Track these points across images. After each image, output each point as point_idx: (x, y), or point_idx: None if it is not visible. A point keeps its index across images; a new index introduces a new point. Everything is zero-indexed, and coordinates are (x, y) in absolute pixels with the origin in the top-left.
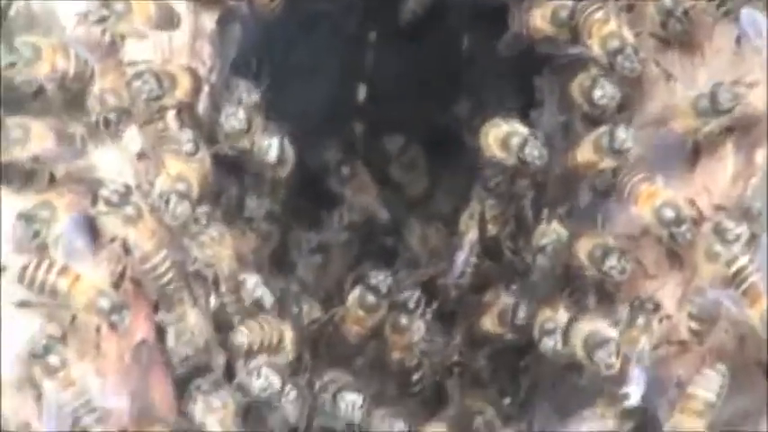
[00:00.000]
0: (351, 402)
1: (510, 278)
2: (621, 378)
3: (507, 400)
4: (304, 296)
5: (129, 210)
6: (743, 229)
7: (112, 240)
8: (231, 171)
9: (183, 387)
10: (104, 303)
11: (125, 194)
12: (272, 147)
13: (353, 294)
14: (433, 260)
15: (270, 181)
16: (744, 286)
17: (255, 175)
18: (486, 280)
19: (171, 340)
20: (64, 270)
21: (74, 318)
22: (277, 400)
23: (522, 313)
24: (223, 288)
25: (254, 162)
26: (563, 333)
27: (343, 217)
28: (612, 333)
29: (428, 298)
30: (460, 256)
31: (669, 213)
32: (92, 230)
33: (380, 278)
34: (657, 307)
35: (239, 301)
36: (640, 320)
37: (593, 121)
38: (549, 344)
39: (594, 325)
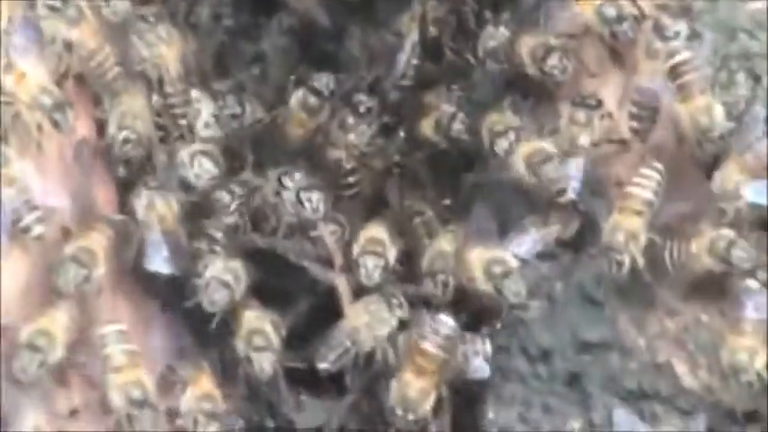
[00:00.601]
0: (315, 200)
1: (452, 79)
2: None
3: (447, 202)
4: (246, 97)
5: (71, 12)
6: (682, 26)
7: (54, 41)
8: None
9: (125, 188)
10: (47, 100)
11: None
12: None
13: (296, 96)
14: (374, 64)
15: None
16: (680, 80)
17: None
18: (427, 82)
19: (112, 127)
20: (9, 66)
21: (16, 115)
22: (216, 189)
23: (457, 125)
24: (169, 89)
25: None
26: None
27: (283, 22)
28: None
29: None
30: (401, 57)
31: (610, 11)
32: (34, 28)
33: (323, 81)
34: (599, 103)
35: (185, 109)
36: (581, 116)
37: None
38: (504, 144)
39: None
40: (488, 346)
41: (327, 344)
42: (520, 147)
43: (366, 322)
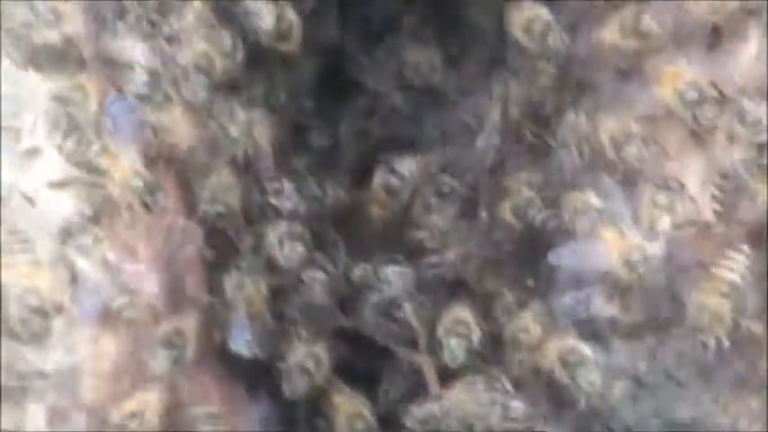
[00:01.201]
0: (393, 275)
1: (532, 161)
2: None
3: (530, 283)
4: (328, 179)
5: (159, 97)
6: (764, 109)
7: (143, 125)
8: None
9: (213, 269)
10: (138, 183)
11: (153, 82)
12: (263, 12)
13: (378, 177)
14: (451, 145)
15: (279, 59)
16: (762, 161)
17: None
18: (507, 163)
19: (204, 203)
20: (104, 149)
21: (107, 197)
22: (304, 271)
23: (534, 211)
24: (261, 169)
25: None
26: None
27: (359, 104)
28: None
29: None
30: (482, 139)
31: (692, 94)
32: (125, 111)
33: (405, 162)
34: (681, 186)
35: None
36: (663, 199)
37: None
38: (585, 223)
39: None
40: None
41: (418, 406)
42: (610, 233)
43: (462, 400)
